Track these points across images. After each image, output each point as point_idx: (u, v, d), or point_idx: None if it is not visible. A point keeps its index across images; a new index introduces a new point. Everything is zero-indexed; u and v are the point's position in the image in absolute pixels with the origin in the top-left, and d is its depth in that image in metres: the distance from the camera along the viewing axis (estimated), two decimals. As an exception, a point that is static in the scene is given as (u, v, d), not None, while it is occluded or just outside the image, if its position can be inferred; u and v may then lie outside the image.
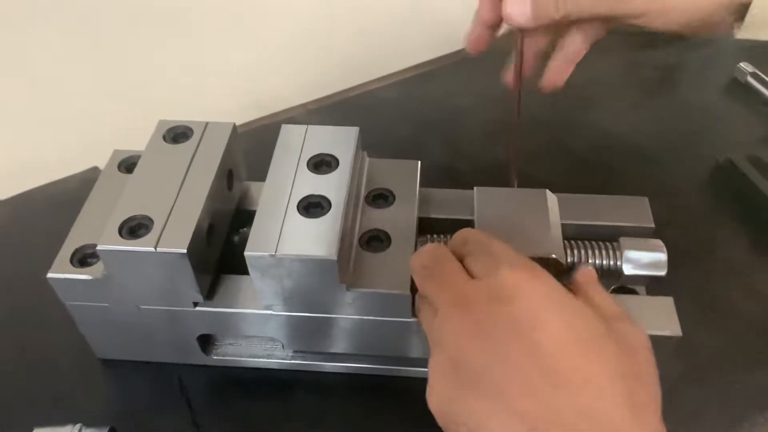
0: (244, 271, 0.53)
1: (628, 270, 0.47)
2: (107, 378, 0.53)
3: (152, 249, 0.43)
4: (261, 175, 0.55)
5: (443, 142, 0.71)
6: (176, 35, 0.75)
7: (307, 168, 0.47)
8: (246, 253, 0.43)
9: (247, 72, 0.81)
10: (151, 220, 0.44)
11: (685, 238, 0.58)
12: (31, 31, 0.68)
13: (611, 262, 0.48)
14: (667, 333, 0.45)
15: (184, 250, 0.43)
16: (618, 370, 0.33)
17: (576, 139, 0.71)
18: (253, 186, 0.55)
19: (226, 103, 0.80)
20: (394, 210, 0.49)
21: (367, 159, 0.53)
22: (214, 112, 0.75)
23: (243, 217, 0.55)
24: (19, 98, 0.71)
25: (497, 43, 0.84)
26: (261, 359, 0.52)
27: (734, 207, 0.63)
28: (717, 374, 0.52)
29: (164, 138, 0.51)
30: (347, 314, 0.46)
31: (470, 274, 0.38)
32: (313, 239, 0.43)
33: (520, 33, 0.50)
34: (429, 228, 0.50)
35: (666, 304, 0.47)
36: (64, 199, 0.66)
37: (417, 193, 0.51)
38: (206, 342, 0.52)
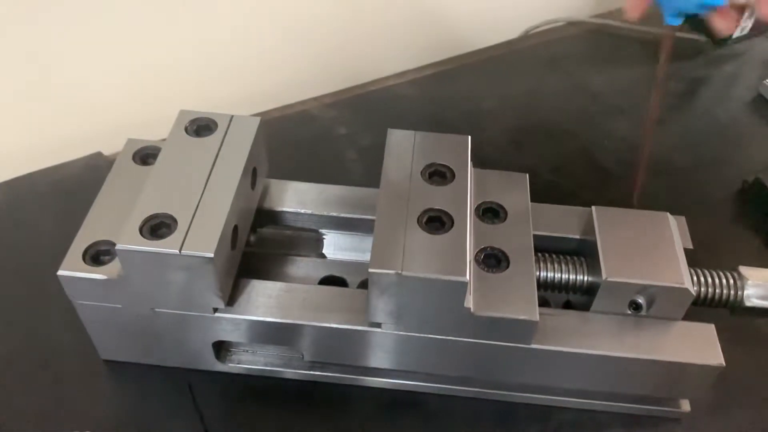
0: (260, 271, 0.50)
1: (749, 302, 0.45)
2: (112, 381, 0.50)
3: (176, 251, 0.40)
4: (276, 169, 0.53)
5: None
6: (184, 20, 0.71)
7: (421, 177, 0.45)
8: (370, 270, 0.40)
9: (259, 62, 0.77)
10: (174, 220, 0.41)
11: (712, 258, 0.56)
12: (40, 12, 0.64)
13: (732, 293, 0.46)
14: (710, 363, 0.44)
15: (211, 254, 0.40)
16: None
17: (601, 151, 0.69)
18: (273, 184, 0.53)
19: (238, 92, 0.77)
20: (507, 227, 0.47)
21: (472, 169, 0.50)
22: (225, 102, 0.72)
23: (262, 216, 0.52)
24: (22, 80, 0.67)
25: (515, 45, 0.83)
26: (278, 368, 0.49)
27: (762, 226, 0.62)
28: (750, 402, 0.50)
29: (186, 130, 0.48)
30: (463, 337, 0.44)
31: None
32: (439, 258, 0.41)
33: (670, 33, 0.50)
34: (538, 245, 0.48)
35: (707, 331, 0.45)
36: (67, 184, 0.63)
37: (529, 209, 0.49)
38: (220, 348, 0.49)
